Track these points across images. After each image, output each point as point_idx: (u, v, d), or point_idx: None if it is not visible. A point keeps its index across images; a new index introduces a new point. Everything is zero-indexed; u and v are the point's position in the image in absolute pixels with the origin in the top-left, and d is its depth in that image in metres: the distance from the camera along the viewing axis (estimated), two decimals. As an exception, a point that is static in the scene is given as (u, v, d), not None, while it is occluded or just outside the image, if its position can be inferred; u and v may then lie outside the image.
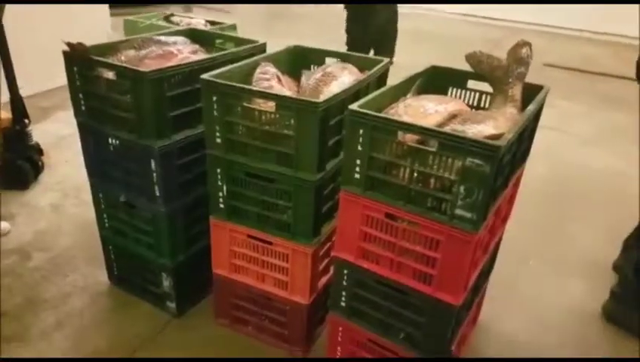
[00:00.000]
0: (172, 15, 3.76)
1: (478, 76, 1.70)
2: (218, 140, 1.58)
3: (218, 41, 2.15)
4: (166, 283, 1.94)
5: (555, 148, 3.68)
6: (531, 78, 1.64)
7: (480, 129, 1.35)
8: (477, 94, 1.74)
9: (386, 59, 1.85)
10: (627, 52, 6.46)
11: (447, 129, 1.36)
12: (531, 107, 1.42)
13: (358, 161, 1.38)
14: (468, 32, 7.47)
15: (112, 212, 1.97)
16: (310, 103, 1.40)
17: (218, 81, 1.49)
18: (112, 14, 5.19)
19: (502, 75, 1.65)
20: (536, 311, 2.21)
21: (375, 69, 1.76)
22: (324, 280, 1.80)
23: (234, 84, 1.49)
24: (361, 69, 1.84)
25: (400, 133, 1.29)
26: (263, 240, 1.68)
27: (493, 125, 1.38)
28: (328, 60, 1.94)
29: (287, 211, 1.59)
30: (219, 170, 1.63)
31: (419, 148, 1.27)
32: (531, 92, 1.61)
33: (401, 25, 4.24)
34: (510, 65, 1.63)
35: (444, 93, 1.77)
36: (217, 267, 1.82)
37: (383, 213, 1.41)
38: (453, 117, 1.43)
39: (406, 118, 1.38)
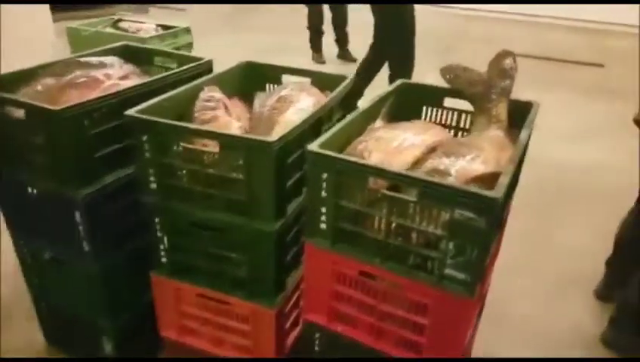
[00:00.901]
0: (120, 20, 3.44)
1: (456, 93, 1.48)
2: (153, 185, 1.30)
3: (157, 58, 1.86)
4: (107, 347, 1.65)
5: (532, 146, 3.52)
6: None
7: (465, 165, 1.13)
8: (455, 114, 1.52)
9: (349, 76, 1.61)
10: (596, 37, 6.45)
11: (427, 166, 1.13)
12: (524, 135, 1.20)
13: (324, 210, 1.14)
14: (428, 21, 7.31)
15: (40, 268, 1.67)
16: (262, 143, 1.14)
17: (145, 118, 1.22)
18: (55, 19, 4.76)
19: (483, 90, 1.43)
20: (532, 334, 2.02)
21: (339, 88, 1.51)
22: (293, 334, 1.56)
23: (165, 121, 1.21)
24: (322, 89, 1.59)
25: (372, 179, 1.05)
26: (217, 300, 1.42)
27: (481, 159, 1.16)
28: (285, 79, 1.69)
29: (243, 266, 1.34)
30: (157, 220, 1.36)
31: (395, 197, 1.04)
32: (517, 108, 1.39)
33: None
34: (492, 80, 1.42)
35: (418, 113, 1.55)
36: (164, 329, 1.54)
37: (357, 271, 1.17)
38: (432, 150, 1.20)
39: (377, 156, 1.14)
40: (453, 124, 1.52)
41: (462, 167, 1.12)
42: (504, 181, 0.99)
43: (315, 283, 1.25)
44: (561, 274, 2.36)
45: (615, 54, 5.77)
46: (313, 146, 1.09)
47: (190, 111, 1.39)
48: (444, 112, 1.52)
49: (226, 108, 1.40)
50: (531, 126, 1.25)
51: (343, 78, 1.60)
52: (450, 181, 1.08)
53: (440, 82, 1.51)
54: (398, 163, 1.14)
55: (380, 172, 1.02)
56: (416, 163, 1.16)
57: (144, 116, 1.22)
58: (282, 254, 1.33)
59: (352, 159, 1.06)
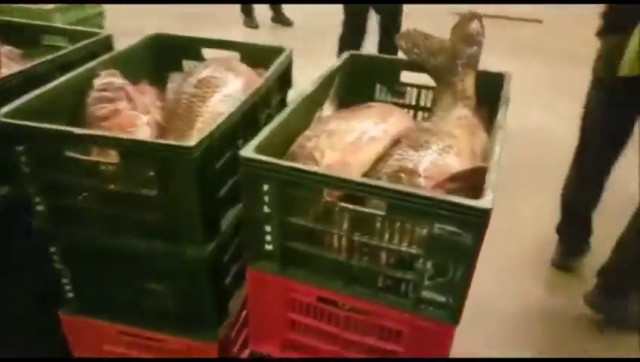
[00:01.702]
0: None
1: (415, 65, 1.25)
2: (39, 208, 1.00)
3: (46, 37, 1.49)
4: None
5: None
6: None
7: (437, 160, 0.91)
8: (415, 90, 1.29)
9: (287, 48, 1.33)
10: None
11: (392, 165, 0.90)
12: (500, 117, 0.99)
13: (268, 228, 0.89)
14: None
15: None
16: (177, 150, 0.86)
17: (14, 122, 0.90)
18: None
19: (446, 61, 1.21)
20: (491, 310, 1.91)
21: (275, 64, 1.24)
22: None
23: (40, 125, 0.90)
24: (254, 65, 1.31)
25: (327, 190, 0.82)
26: (145, 337, 1.15)
27: (454, 150, 0.94)
28: (207, 54, 1.39)
29: (172, 297, 1.07)
30: (53, 249, 1.06)
31: (358, 211, 0.81)
32: (485, 80, 1.19)
33: None
34: (456, 48, 1.20)
35: (371, 91, 1.31)
36: (84, 373, 1.26)
37: (314, 297, 0.94)
38: (396, 142, 0.98)
39: (331, 156, 0.90)
40: (412, 102, 1.30)
41: (433, 162, 0.90)
42: (492, 183, 0.78)
43: (263, 312, 1.01)
44: (515, 246, 2.26)
45: (553, 7, 5.70)
46: (248, 151, 0.83)
47: (83, 105, 1.08)
48: (402, 89, 1.30)
49: (129, 98, 1.09)
50: (507, 104, 1.05)
51: (279, 50, 1.32)
52: (420, 181, 0.87)
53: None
54: (358, 162, 0.91)
55: (337, 182, 0.79)
56: (379, 160, 0.93)
57: (13, 120, 0.90)
58: (220, 280, 1.08)
59: (301, 166, 0.81)
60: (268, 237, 0.90)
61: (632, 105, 1.70)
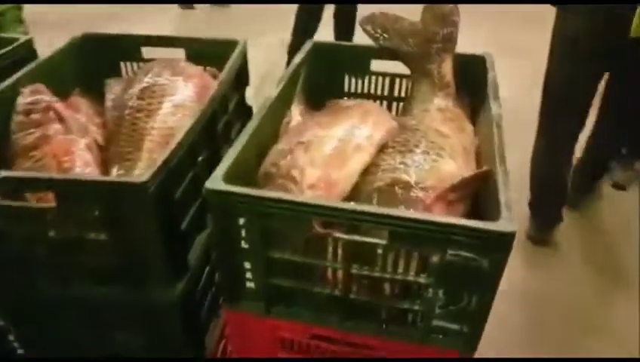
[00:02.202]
0: None
1: (386, 52, 1.13)
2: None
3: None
4: None
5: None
6: None
7: (434, 168, 0.80)
8: (387, 79, 1.17)
9: (241, 40, 1.17)
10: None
11: (383, 178, 0.79)
12: (496, 112, 0.89)
13: (247, 265, 0.76)
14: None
15: None
16: (128, 187, 0.71)
17: None
18: None
19: (419, 46, 1.10)
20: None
21: (230, 61, 1.08)
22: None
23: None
24: (204, 62, 1.15)
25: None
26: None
27: (447, 152, 0.84)
28: (147, 54, 1.21)
29: (142, 345, 0.93)
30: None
31: (355, 243, 0.69)
32: (462, 64, 1.09)
33: None
34: (429, 29, 1.08)
35: (339, 84, 1.18)
36: None
37: (309, 335, 0.83)
38: (383, 147, 0.86)
39: (313, 174, 0.77)
40: (385, 93, 1.18)
41: (428, 170, 0.79)
42: (506, 199, 0.67)
43: (248, 352, 0.89)
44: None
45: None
46: (215, 182, 0.69)
47: (7, 131, 0.89)
48: (373, 80, 1.17)
49: (60, 118, 0.91)
50: (497, 94, 0.95)
51: (231, 43, 1.16)
52: (418, 195, 0.76)
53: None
54: (344, 178, 0.79)
55: (328, 211, 0.66)
56: (367, 172, 0.81)
57: None
58: (193, 318, 0.94)
59: (282, 196, 0.67)
60: (248, 275, 0.77)
61: (602, 65, 1.66)
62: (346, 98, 1.20)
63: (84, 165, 0.86)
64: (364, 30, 1.14)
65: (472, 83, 1.07)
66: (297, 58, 1.08)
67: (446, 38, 1.08)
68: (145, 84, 0.97)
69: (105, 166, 0.90)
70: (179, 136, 0.80)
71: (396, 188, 0.76)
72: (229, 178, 0.71)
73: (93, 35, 1.21)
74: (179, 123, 0.92)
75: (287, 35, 2.81)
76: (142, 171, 0.85)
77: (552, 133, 1.85)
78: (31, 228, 0.77)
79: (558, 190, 1.94)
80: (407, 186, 0.76)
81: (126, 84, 1.02)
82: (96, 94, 1.12)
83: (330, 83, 1.17)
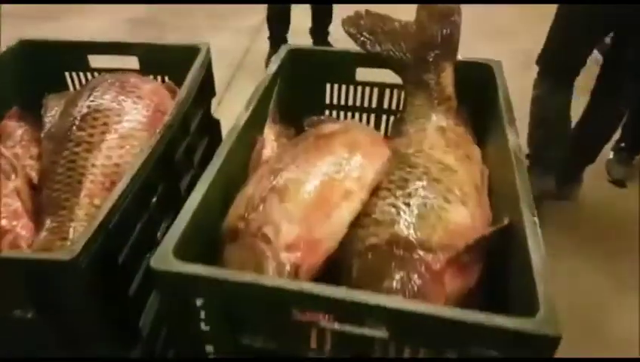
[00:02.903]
0: None
1: (374, 59, 0.96)
2: None
3: None
4: None
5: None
6: None
7: (437, 219, 0.65)
8: (376, 90, 1.01)
9: (202, 45, 0.99)
10: None
11: (379, 234, 0.64)
12: (512, 140, 0.73)
13: (210, 348, 0.61)
14: None
15: None
16: (49, 265, 0.54)
17: None
18: None
19: (414, 50, 0.94)
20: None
21: (192, 73, 0.90)
22: None
23: None
24: (161, 71, 0.98)
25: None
26: None
27: (457, 194, 0.69)
28: (94, 62, 1.02)
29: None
30: None
31: (349, 334, 0.54)
32: (463, 71, 0.93)
33: None
34: (425, 32, 0.93)
35: (321, 96, 1.02)
36: None
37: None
38: (376, 188, 0.70)
39: (290, 231, 0.62)
40: (373, 104, 1.03)
41: (436, 223, 0.64)
42: (544, 274, 0.53)
43: None
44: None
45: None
46: (162, 260, 0.53)
47: None
48: (359, 89, 1.01)
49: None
50: (512, 115, 0.79)
51: (191, 49, 0.98)
52: (423, 257, 0.61)
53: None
54: (330, 234, 0.63)
55: (311, 300, 0.51)
56: (357, 224, 0.66)
57: None
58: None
59: (252, 280, 0.52)
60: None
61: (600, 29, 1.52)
62: (327, 112, 1.04)
63: (11, 217, 0.69)
64: (348, 33, 0.97)
65: (474, 96, 0.92)
66: (271, 68, 0.92)
67: (445, 42, 0.93)
68: (85, 110, 0.79)
69: (38, 214, 0.73)
70: (122, 183, 0.64)
71: (394, 248, 0.61)
72: (180, 252, 0.55)
73: (34, 42, 1.02)
74: (126, 158, 0.75)
75: (259, 17, 2.58)
76: (80, 224, 0.69)
77: (554, 71, 1.68)
78: None
79: (561, 135, 1.77)
80: (408, 246, 0.61)
81: (66, 104, 0.84)
82: (38, 112, 0.95)
83: (309, 95, 1.01)
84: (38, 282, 0.56)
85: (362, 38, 0.96)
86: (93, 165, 0.73)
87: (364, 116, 1.04)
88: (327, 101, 1.03)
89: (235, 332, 0.58)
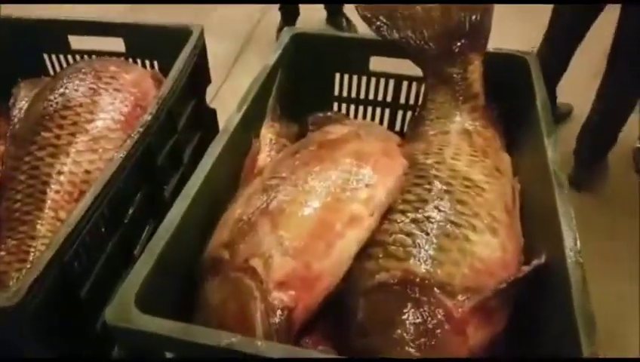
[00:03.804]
0: None
1: (390, 48, 0.84)
2: None
3: None
4: None
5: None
6: None
7: (462, 255, 0.54)
8: (391, 82, 0.89)
9: (195, 27, 0.87)
10: None
11: (387, 268, 0.53)
12: (551, 152, 0.61)
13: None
14: None
15: None
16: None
17: None
18: None
19: (437, 39, 0.81)
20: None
21: (181, 60, 0.79)
22: None
23: None
24: (148, 55, 0.87)
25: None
26: None
27: (486, 223, 0.57)
28: (76, 44, 0.91)
29: None
30: None
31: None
32: (491, 67, 0.80)
33: None
34: (451, 17, 0.80)
35: (328, 86, 0.90)
36: None
37: None
38: (387, 211, 0.59)
39: (283, 265, 0.51)
40: (388, 98, 0.90)
41: (460, 259, 0.53)
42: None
43: None
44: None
45: None
46: (119, 312, 0.43)
47: None
48: (373, 81, 0.89)
49: None
50: (551, 121, 0.67)
51: (183, 31, 0.86)
52: (442, 301, 0.50)
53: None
54: (331, 269, 0.53)
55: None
56: (363, 256, 0.55)
57: None
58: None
59: (225, 343, 0.41)
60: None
61: None
62: (335, 105, 0.93)
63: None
64: (362, 17, 0.84)
65: (503, 93, 0.80)
66: (271, 57, 0.80)
67: (474, 30, 0.80)
68: (53, 106, 0.68)
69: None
70: (85, 200, 0.53)
71: (408, 288, 0.50)
72: (148, 291, 0.45)
73: (7, 19, 0.91)
74: (98, 164, 0.65)
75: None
76: (42, 242, 0.59)
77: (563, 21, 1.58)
78: None
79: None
80: (426, 287, 0.50)
81: (34, 98, 0.74)
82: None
83: (315, 85, 0.89)
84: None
85: (378, 23, 0.84)
86: (59, 172, 0.63)
87: (378, 111, 0.92)
88: (336, 93, 0.91)
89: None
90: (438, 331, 0.48)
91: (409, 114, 0.90)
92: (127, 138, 0.65)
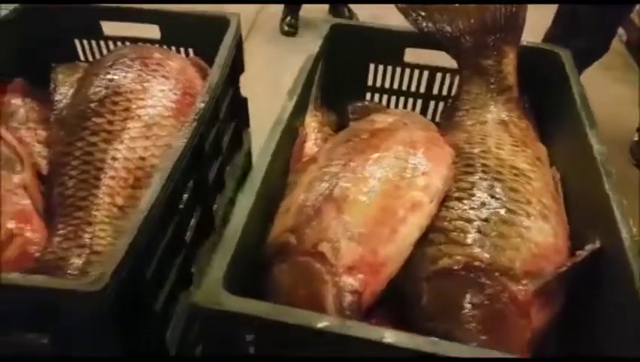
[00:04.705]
0: None
1: (427, 39, 0.85)
2: None
3: None
4: None
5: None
6: None
7: (522, 240, 0.56)
8: (425, 73, 0.90)
9: (233, 16, 0.88)
10: None
11: (450, 254, 0.55)
12: (596, 145, 0.63)
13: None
14: None
15: None
16: (68, 296, 0.45)
17: None
18: None
19: (473, 31, 0.83)
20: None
21: (224, 49, 0.79)
22: None
23: None
24: (183, 42, 0.88)
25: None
26: None
27: (538, 208, 0.59)
28: (109, 29, 0.91)
29: None
30: None
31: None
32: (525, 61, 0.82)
33: None
34: (489, 11, 0.82)
35: (362, 77, 0.91)
36: None
37: None
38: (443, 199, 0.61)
39: (351, 250, 0.53)
40: (422, 89, 0.92)
41: (520, 245, 0.55)
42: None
43: None
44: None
45: None
46: (209, 295, 0.44)
47: None
48: (407, 72, 0.90)
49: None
50: (591, 114, 0.69)
51: (220, 20, 0.87)
52: (506, 285, 0.52)
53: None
54: (395, 254, 0.55)
55: (389, 352, 0.42)
56: (423, 240, 0.57)
57: None
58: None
59: (323, 327, 0.42)
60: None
61: None
62: (368, 95, 0.94)
63: (19, 218, 0.59)
64: (400, 9, 0.86)
65: (534, 87, 0.82)
66: (314, 48, 0.81)
67: (510, 23, 0.82)
68: (104, 91, 0.68)
69: (49, 213, 0.64)
70: (152, 191, 0.54)
71: (473, 274, 0.52)
72: (230, 275, 0.46)
73: (38, 5, 0.90)
74: (152, 150, 0.65)
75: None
76: (100, 228, 0.60)
77: None
78: None
79: None
80: (489, 272, 0.52)
81: (80, 82, 0.74)
82: (43, 85, 0.85)
83: (349, 74, 0.90)
84: (57, 311, 0.47)
85: (415, 15, 0.85)
86: (113, 158, 0.63)
87: (410, 101, 0.94)
88: (370, 83, 0.93)
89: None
90: (505, 314, 0.51)
91: (440, 105, 0.92)
92: (180, 125, 0.66)
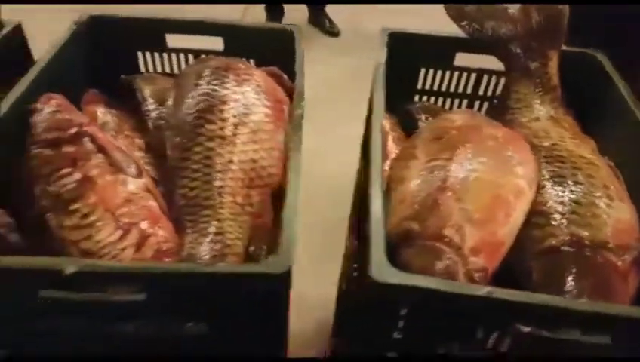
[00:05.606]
0: None
1: (475, 44, 0.94)
2: None
3: None
4: None
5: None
6: None
7: (608, 218, 0.64)
8: (473, 76, 0.99)
9: (295, 29, 0.94)
10: None
11: (554, 233, 0.63)
12: None
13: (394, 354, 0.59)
14: None
15: None
16: (260, 278, 0.51)
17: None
18: None
19: (519, 36, 0.92)
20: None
21: (299, 58, 0.85)
22: None
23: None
24: (245, 54, 0.92)
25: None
26: None
27: (612, 191, 0.68)
28: (172, 42, 0.95)
29: None
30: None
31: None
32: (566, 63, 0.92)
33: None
34: (533, 17, 0.91)
35: (413, 81, 0.99)
36: None
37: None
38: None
39: (474, 234, 0.60)
40: (469, 90, 1.00)
41: (611, 223, 0.63)
42: None
43: None
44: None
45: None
46: (381, 271, 0.50)
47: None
48: (455, 75, 0.99)
49: (101, 148, 0.67)
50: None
51: (282, 32, 0.93)
52: (608, 257, 0.61)
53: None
54: (509, 235, 0.62)
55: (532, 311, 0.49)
56: (526, 223, 0.65)
57: None
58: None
59: (480, 293, 0.49)
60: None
61: None
62: (417, 97, 1.01)
63: (150, 219, 0.63)
64: (451, 17, 0.94)
65: (574, 88, 0.92)
66: (381, 56, 0.87)
67: (552, 29, 0.91)
68: (209, 99, 0.72)
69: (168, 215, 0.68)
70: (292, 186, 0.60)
71: (579, 250, 0.61)
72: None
73: (103, 18, 0.93)
74: (261, 153, 0.70)
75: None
76: (228, 224, 0.65)
77: None
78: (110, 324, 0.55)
79: None
80: (592, 247, 0.61)
81: (177, 91, 0.77)
82: (109, 94, 0.89)
83: (401, 78, 0.97)
84: (229, 295, 0.52)
85: (464, 22, 0.93)
86: (230, 161, 0.68)
87: (456, 102, 1.02)
88: (419, 86, 1.00)
89: (432, 341, 0.56)
90: (609, 283, 0.59)
91: (484, 105, 1.01)
92: (278, 128, 0.72)
